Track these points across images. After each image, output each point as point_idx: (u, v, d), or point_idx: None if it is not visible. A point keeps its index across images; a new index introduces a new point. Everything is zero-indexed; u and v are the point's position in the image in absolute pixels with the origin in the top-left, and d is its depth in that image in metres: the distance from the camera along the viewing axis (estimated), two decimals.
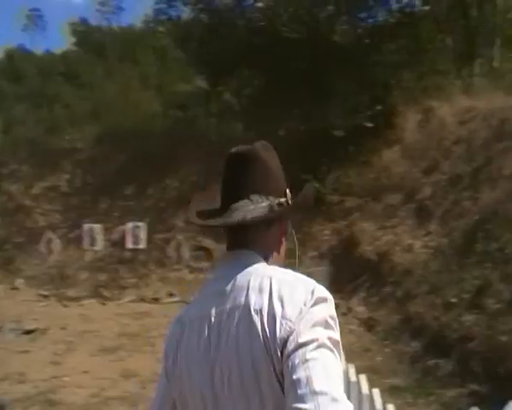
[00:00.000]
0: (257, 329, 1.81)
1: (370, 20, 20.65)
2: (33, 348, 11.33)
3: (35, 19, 77.58)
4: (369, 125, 16.84)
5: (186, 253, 14.06)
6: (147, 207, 18.64)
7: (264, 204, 2.02)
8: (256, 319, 1.82)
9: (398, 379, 8.66)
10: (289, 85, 18.64)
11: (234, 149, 2.15)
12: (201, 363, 1.91)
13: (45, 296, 16.15)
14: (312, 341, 1.72)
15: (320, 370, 1.68)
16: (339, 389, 1.67)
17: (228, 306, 1.89)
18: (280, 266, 2.02)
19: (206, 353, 1.91)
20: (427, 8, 20.95)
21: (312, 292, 1.82)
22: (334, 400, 1.63)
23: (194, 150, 19.08)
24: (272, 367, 1.77)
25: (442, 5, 20.75)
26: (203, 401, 1.90)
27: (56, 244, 18.85)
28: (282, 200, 2.06)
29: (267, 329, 1.79)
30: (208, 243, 16.87)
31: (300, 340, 1.72)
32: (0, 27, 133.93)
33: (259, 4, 20.23)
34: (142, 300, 14.14)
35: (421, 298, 10.63)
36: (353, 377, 4.73)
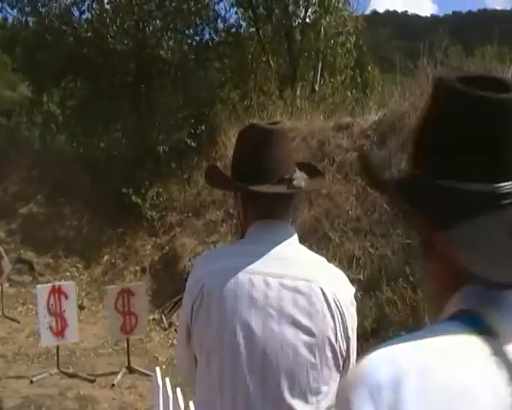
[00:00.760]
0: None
1: (196, 38, 20.80)
2: None
3: None
4: (192, 143, 16.92)
5: (7, 265, 13.48)
6: None
7: (304, 175, 2.30)
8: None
9: None
10: (114, 98, 18.41)
11: (268, 126, 2.37)
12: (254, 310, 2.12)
13: None
14: None
15: None
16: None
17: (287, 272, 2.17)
18: None
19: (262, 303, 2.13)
20: (252, 29, 21.43)
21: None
22: None
23: (16, 159, 18.41)
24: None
25: (267, 27, 21.26)
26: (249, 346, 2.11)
27: None
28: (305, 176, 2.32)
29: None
30: (30, 255, 16.29)
31: None
32: None
33: (86, 14, 19.87)
34: None
35: None
36: (170, 392, 4.72)
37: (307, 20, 21.06)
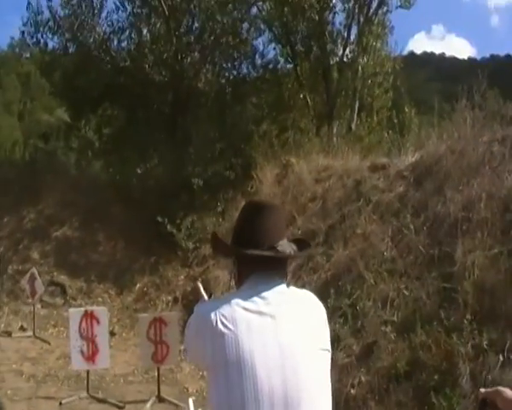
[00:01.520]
0: None
1: (234, 72, 20.98)
2: None
3: None
4: (228, 177, 17.00)
5: (40, 287, 13.61)
6: (1, 237, 17.95)
7: (292, 245, 2.67)
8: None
9: None
10: (150, 128, 18.60)
11: (261, 200, 3.23)
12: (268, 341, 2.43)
13: None
14: None
15: None
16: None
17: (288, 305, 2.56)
18: None
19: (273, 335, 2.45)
20: (290, 66, 21.58)
21: None
22: None
23: (52, 183, 18.59)
24: None
25: (305, 65, 21.40)
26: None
27: None
28: (294, 246, 2.68)
29: None
30: (63, 278, 16.40)
31: None
32: None
33: (125, 44, 20.15)
34: None
35: None
36: None
37: (345, 58, 21.18)
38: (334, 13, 21.21)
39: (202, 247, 15.80)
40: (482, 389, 2.37)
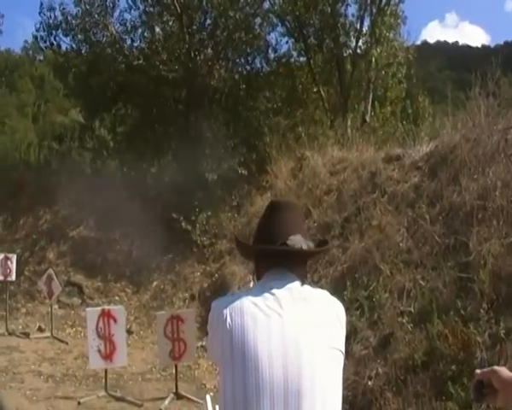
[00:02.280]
0: None
1: (247, 67, 20.94)
2: None
3: None
4: (242, 171, 16.97)
5: (57, 287, 13.65)
6: (18, 239, 18.05)
7: (309, 243, 2.69)
8: None
9: None
10: (164, 125, 18.60)
11: (279, 199, 3.17)
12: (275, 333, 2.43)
13: None
14: None
15: None
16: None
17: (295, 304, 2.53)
18: None
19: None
20: (303, 59, 21.52)
21: None
22: None
23: (67, 183, 18.65)
24: None
25: (318, 57, 21.35)
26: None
27: None
28: (311, 244, 2.71)
29: None
30: (80, 278, 16.46)
31: None
32: None
33: (138, 42, 20.17)
34: (11, 334, 13.60)
35: None
36: None
37: (358, 50, 21.10)
38: (347, 5, 21.15)
39: (218, 242, 15.81)
40: (478, 370, 2.36)
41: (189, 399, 9.46)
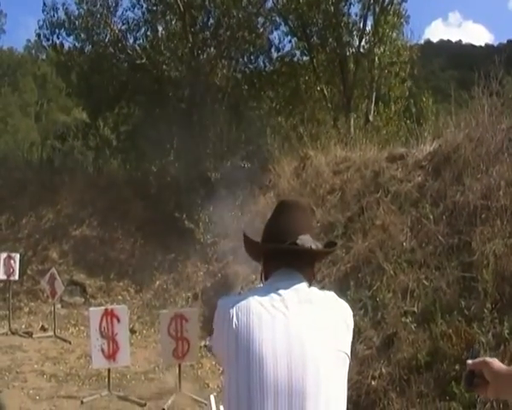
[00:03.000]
0: None
1: (250, 66, 20.94)
2: None
3: None
4: (245, 171, 16.95)
5: (60, 287, 13.64)
6: (21, 238, 18.06)
7: (317, 243, 2.69)
8: None
9: None
10: (167, 124, 18.59)
11: (289, 198, 3.20)
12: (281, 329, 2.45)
13: None
14: None
15: None
16: None
17: (302, 303, 2.55)
18: None
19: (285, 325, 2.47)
20: (306, 58, 21.51)
21: None
22: None
23: (70, 182, 18.67)
24: None
25: (321, 57, 21.33)
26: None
27: None
28: (320, 245, 2.72)
29: None
30: (82, 277, 16.46)
31: None
32: None
33: (140, 41, 20.18)
34: (14, 333, 13.60)
35: None
36: None
37: (361, 49, 21.09)
38: (350, 4, 21.14)
39: (221, 242, 15.77)
40: (469, 361, 2.38)
41: (192, 398, 9.45)
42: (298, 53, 21.92)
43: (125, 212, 17.35)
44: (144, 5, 20.20)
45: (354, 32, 21.16)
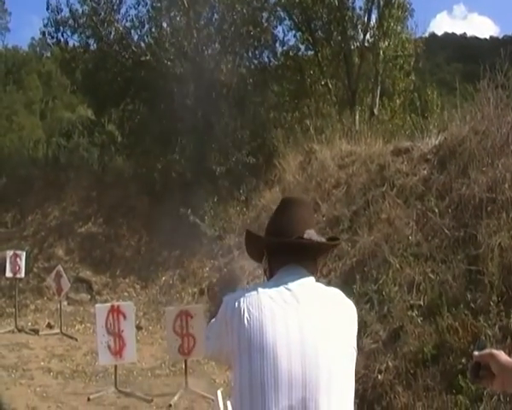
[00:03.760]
0: None
1: (255, 61, 20.92)
2: None
3: None
4: (250, 166, 16.95)
5: (66, 284, 13.66)
6: (27, 236, 18.09)
7: (322, 239, 2.77)
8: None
9: None
10: (172, 120, 18.59)
11: (292, 195, 3.60)
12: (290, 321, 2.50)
13: None
14: None
15: None
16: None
17: (308, 296, 2.60)
18: None
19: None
20: (311, 52, 21.48)
21: None
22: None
23: (76, 179, 18.70)
24: None
25: (325, 51, 21.30)
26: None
27: None
28: (324, 239, 2.79)
29: None
30: (88, 274, 16.48)
31: None
32: None
33: (145, 38, 20.18)
34: (20, 330, 13.64)
35: None
36: None
37: (366, 43, 21.05)
38: None
39: (227, 237, 15.75)
40: (476, 352, 2.37)
41: (198, 394, 9.44)
42: (302, 47, 21.94)
43: (130, 208, 17.37)
44: (148, 2, 20.23)
45: (359, 26, 21.15)
